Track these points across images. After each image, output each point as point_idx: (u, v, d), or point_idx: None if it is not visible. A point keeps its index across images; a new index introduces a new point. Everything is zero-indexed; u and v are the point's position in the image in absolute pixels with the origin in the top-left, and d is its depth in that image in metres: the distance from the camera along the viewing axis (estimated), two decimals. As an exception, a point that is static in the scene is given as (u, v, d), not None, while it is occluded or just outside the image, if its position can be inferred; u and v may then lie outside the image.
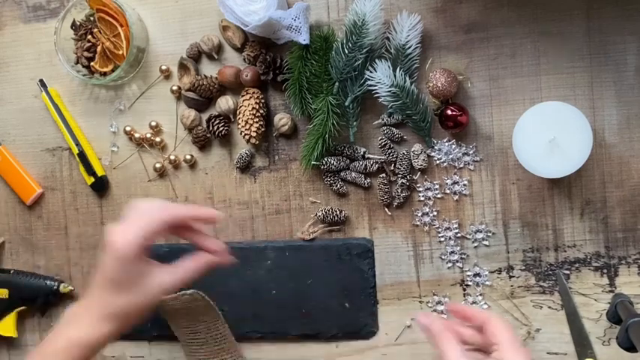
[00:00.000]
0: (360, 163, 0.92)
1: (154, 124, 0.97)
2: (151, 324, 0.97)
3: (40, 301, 0.99)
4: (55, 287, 0.99)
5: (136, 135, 0.97)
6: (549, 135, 0.82)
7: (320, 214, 0.93)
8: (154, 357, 0.99)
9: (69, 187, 1.00)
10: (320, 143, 0.90)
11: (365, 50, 0.88)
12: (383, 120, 0.92)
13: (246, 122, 0.92)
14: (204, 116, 0.96)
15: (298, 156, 0.94)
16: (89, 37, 0.96)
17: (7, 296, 0.99)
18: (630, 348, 0.79)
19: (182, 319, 0.93)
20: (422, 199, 0.92)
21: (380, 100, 0.89)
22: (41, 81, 0.99)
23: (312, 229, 0.94)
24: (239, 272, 0.95)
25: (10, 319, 1.00)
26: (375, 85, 0.88)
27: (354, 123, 0.92)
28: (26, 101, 1.00)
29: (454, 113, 0.88)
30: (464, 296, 0.92)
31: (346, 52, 0.88)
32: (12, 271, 1.00)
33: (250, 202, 0.96)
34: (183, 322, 0.93)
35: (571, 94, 0.88)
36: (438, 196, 0.92)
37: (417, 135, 0.91)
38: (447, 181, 0.91)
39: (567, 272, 0.90)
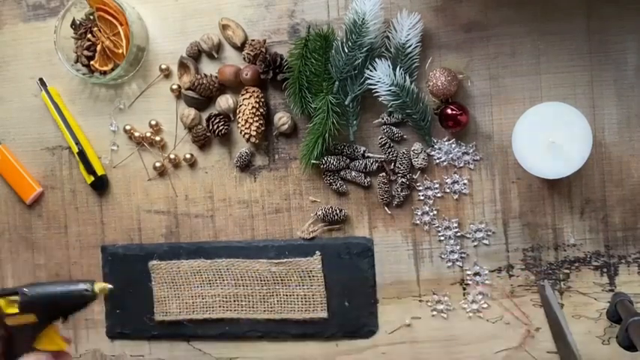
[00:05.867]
0: (360, 162, 0.92)
1: (153, 122, 0.97)
2: (151, 324, 0.97)
3: (73, 310, 0.82)
4: (88, 292, 0.80)
5: (136, 134, 0.97)
6: (549, 136, 0.82)
7: (320, 213, 0.93)
8: (153, 356, 0.99)
9: (69, 185, 1.00)
10: (320, 142, 0.90)
11: (365, 49, 0.88)
12: (383, 119, 0.92)
13: (246, 121, 0.92)
14: (204, 115, 0.96)
15: (298, 155, 0.94)
16: (89, 35, 0.96)
17: (35, 320, 0.80)
18: (630, 347, 0.79)
19: None
20: (422, 198, 0.92)
21: (380, 99, 0.89)
22: (41, 80, 0.99)
23: (312, 228, 0.94)
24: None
25: (53, 333, 0.83)
26: (375, 84, 0.88)
27: (354, 122, 0.92)
28: (26, 100, 1.01)
29: (454, 112, 0.88)
30: (464, 295, 0.92)
31: (346, 51, 0.88)
32: (25, 290, 0.81)
33: (250, 201, 0.96)
34: None
35: (571, 93, 0.88)
36: (438, 195, 0.92)
37: (417, 134, 0.91)
38: (447, 180, 0.91)
39: (567, 271, 0.90)
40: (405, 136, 0.92)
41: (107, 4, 0.94)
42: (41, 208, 1.01)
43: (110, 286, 0.82)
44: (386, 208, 0.93)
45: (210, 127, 0.94)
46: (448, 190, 0.91)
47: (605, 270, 0.89)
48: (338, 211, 0.93)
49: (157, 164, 0.97)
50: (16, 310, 0.79)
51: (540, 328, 0.90)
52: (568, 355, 0.87)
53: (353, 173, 0.92)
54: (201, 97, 0.95)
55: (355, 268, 0.93)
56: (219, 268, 0.95)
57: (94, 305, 0.99)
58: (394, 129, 0.91)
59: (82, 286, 0.80)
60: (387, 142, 0.91)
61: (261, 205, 0.96)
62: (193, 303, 0.96)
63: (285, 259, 0.94)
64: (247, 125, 0.92)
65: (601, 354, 0.89)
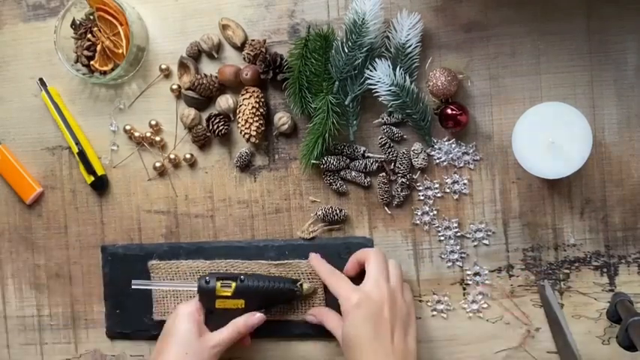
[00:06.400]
0: (360, 162, 0.92)
1: (153, 122, 0.97)
2: (150, 323, 0.97)
3: (278, 304, 0.93)
4: (297, 291, 0.91)
5: (136, 134, 0.97)
6: (549, 136, 0.82)
7: (320, 213, 0.93)
8: (153, 356, 0.99)
9: (69, 186, 1.00)
10: (320, 142, 0.90)
11: (365, 49, 0.88)
12: (383, 119, 0.92)
13: (246, 121, 0.92)
14: (204, 115, 0.96)
15: (298, 155, 0.94)
16: (89, 35, 0.96)
17: (243, 306, 0.90)
18: (630, 347, 0.80)
19: None
20: (422, 198, 0.92)
21: (380, 99, 0.89)
22: (41, 80, 0.99)
23: (312, 228, 0.94)
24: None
25: None
26: (375, 84, 0.88)
27: (354, 122, 0.92)
28: (26, 100, 1.00)
29: (454, 112, 0.88)
30: (464, 295, 0.92)
31: (346, 51, 0.88)
32: (242, 278, 0.89)
33: (250, 201, 0.96)
34: None
35: (571, 93, 0.88)
36: (438, 195, 0.92)
37: (417, 134, 0.91)
38: (447, 180, 0.91)
39: (567, 271, 0.90)
40: (405, 136, 0.92)
41: (107, 4, 0.94)
42: (41, 208, 1.01)
43: (314, 287, 0.93)
44: (386, 208, 0.93)
45: (210, 127, 0.94)
46: (448, 190, 0.91)
47: (605, 270, 0.89)
48: (338, 211, 0.93)
49: (157, 164, 0.97)
50: (229, 294, 0.88)
51: (540, 328, 0.90)
52: (568, 355, 0.87)
53: (353, 173, 0.92)
54: (201, 97, 0.95)
55: (355, 268, 0.93)
56: (218, 268, 0.95)
57: (93, 305, 1.00)
58: (394, 129, 0.91)
59: (293, 285, 0.91)
60: (387, 142, 0.91)
61: (261, 205, 0.96)
62: None
63: (285, 261, 0.94)
64: (247, 125, 0.92)
65: (601, 354, 0.89)
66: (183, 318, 0.87)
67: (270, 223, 0.96)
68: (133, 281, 0.92)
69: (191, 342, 0.85)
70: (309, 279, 0.93)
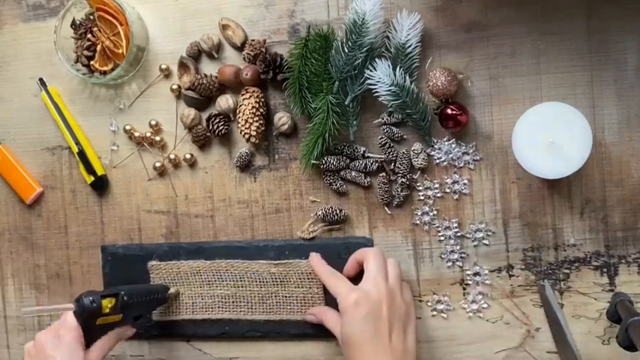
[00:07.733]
0: (360, 162, 0.92)
1: (153, 122, 0.97)
2: (150, 324, 0.97)
3: (150, 312, 0.96)
4: (169, 297, 0.95)
5: (136, 134, 0.97)
6: (549, 136, 0.82)
7: (320, 213, 0.93)
8: (153, 356, 0.99)
9: (69, 186, 1.00)
10: (320, 142, 0.90)
11: (365, 49, 0.88)
12: (383, 119, 0.92)
13: (246, 121, 0.92)
14: (204, 115, 0.96)
15: (298, 155, 0.94)
16: (89, 35, 0.96)
17: (120, 319, 0.88)
18: (630, 347, 0.80)
19: None
20: (422, 198, 0.92)
21: (380, 99, 0.89)
22: (41, 80, 0.99)
23: (312, 228, 0.94)
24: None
25: None
26: (375, 84, 0.88)
27: (354, 122, 0.92)
28: (26, 100, 1.01)
29: (454, 112, 0.88)
30: (464, 295, 0.92)
31: (346, 51, 0.88)
32: (124, 294, 0.87)
33: (250, 201, 0.96)
34: None
35: (571, 93, 0.88)
36: (438, 195, 0.92)
37: (417, 134, 0.91)
38: (447, 180, 0.91)
39: (567, 271, 0.90)
40: (405, 136, 0.92)
41: (107, 4, 0.94)
42: (41, 208, 1.01)
43: (179, 290, 0.97)
44: (386, 208, 0.93)
45: (210, 127, 0.94)
46: (448, 190, 0.91)
47: (605, 270, 0.89)
48: (338, 211, 0.93)
49: (157, 164, 0.97)
50: (108, 310, 0.85)
51: (540, 328, 0.90)
52: (568, 355, 0.87)
53: (353, 173, 0.92)
54: (201, 97, 0.95)
55: (355, 268, 0.93)
56: (218, 269, 0.95)
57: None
58: (394, 129, 0.91)
59: (165, 292, 0.94)
60: (387, 142, 0.91)
61: (261, 205, 0.96)
62: (193, 303, 0.96)
63: (285, 260, 0.94)
64: (247, 125, 0.92)
65: (601, 354, 0.89)
66: (68, 346, 0.82)
67: (270, 223, 0.96)
68: (23, 309, 0.86)
69: None
70: (309, 279, 0.93)
